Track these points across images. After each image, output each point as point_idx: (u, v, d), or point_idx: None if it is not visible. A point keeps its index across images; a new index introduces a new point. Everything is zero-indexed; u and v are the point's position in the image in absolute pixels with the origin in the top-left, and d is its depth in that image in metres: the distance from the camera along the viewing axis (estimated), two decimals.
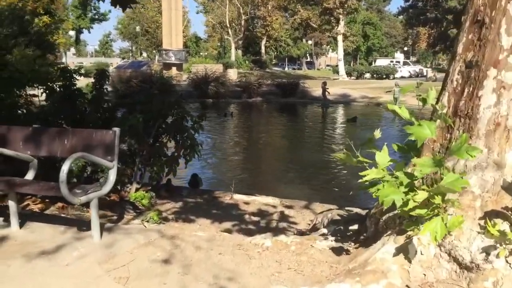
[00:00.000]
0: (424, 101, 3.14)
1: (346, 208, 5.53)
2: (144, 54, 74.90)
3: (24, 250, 4.07)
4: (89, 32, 71.84)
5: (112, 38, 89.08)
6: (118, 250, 4.11)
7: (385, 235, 3.53)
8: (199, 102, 30.78)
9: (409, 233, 3.30)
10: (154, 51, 64.96)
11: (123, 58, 74.05)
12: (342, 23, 43.66)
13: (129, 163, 6.51)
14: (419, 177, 3.13)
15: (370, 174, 3.19)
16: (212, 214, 6.34)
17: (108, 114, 6.73)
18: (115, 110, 6.88)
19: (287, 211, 6.79)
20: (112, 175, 4.81)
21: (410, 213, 3.08)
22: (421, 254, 3.21)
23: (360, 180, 3.26)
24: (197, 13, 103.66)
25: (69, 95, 6.41)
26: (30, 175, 5.12)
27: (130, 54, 78.79)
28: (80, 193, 4.48)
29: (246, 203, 7.08)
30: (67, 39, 54.86)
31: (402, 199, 3.03)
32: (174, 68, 40.59)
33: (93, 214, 4.59)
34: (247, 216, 6.31)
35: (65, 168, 4.29)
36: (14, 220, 4.91)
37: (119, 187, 6.49)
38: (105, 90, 6.69)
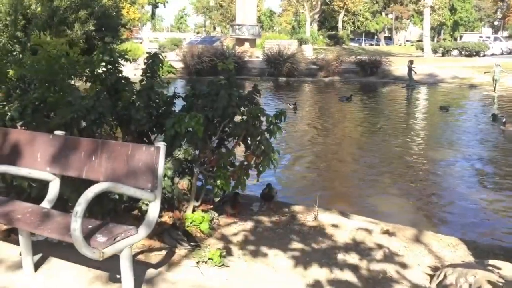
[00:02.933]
0: None
1: (491, 262, 3.77)
2: (218, 29, 74.11)
3: None
4: (165, 7, 71.91)
5: (186, 13, 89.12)
6: None
7: None
8: (272, 81, 29.22)
9: None
10: (227, 26, 63.82)
11: (197, 33, 73.80)
12: None
13: (186, 174, 5.06)
14: None
15: None
16: (291, 247, 4.79)
17: (161, 110, 5.29)
18: (171, 104, 5.42)
19: (389, 242, 5.08)
20: (153, 211, 3.36)
21: None
22: None
23: None
24: None
25: (112, 84, 5.04)
26: (47, 202, 3.78)
27: (204, 29, 78.37)
28: (105, 242, 3.05)
29: (334, 226, 5.44)
30: (143, 14, 55.01)
31: None
32: (247, 44, 39.10)
33: (124, 269, 3.18)
34: (338, 253, 4.67)
35: (78, 209, 2.89)
36: (26, 261, 3.61)
37: (175, 203, 5.10)
38: (158, 79, 5.23)
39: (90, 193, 2.93)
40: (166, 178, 4.73)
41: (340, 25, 66.32)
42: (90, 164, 3.54)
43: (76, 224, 2.81)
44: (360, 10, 69.13)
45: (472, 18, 76.27)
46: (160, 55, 5.18)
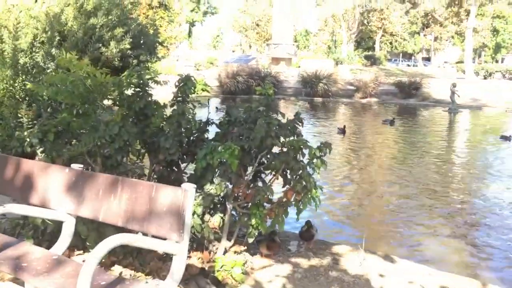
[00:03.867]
0: None
1: None
2: (254, 48, 74.33)
3: None
4: (202, 25, 72.82)
5: (222, 31, 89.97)
6: None
7: None
8: (308, 101, 28.68)
9: None
10: (263, 44, 63.87)
11: (233, 51, 74.17)
12: (472, 15, 38.53)
13: (218, 211, 4.54)
14: None
15: None
16: None
17: (193, 137, 4.83)
18: (203, 131, 4.95)
19: None
20: (179, 265, 2.84)
21: None
22: None
23: None
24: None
25: (141, 108, 4.60)
26: (59, 245, 3.32)
27: (240, 48, 78.77)
28: None
29: (381, 276, 4.79)
30: (180, 32, 55.81)
31: None
32: (282, 63, 38.79)
33: None
34: None
35: (88, 269, 2.42)
36: None
37: (205, 243, 4.58)
38: (191, 105, 4.76)
39: (103, 248, 2.44)
40: (195, 216, 4.24)
41: (377, 45, 65.40)
42: (109, 204, 3.07)
43: (83, 284, 2.31)
44: (398, 30, 68.09)
45: None
46: (192, 78, 4.72)
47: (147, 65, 14.57)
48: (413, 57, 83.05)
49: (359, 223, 7.39)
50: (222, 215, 4.58)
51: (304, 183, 4.55)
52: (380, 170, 11.48)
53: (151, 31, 17.27)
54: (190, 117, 4.74)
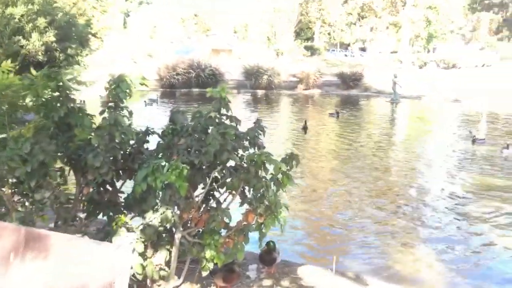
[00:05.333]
0: None
1: None
2: (193, 39, 72.61)
3: None
4: (137, 16, 70.10)
5: (160, 22, 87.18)
6: None
7: None
8: (250, 94, 28.01)
9: None
10: (202, 35, 62.40)
11: (171, 43, 72.01)
12: (409, 5, 39.28)
13: (163, 242, 3.70)
14: None
15: None
16: None
17: (128, 149, 3.94)
18: (143, 142, 4.07)
19: None
20: None
21: None
22: None
23: None
24: None
25: (61, 118, 3.65)
26: None
27: (179, 39, 76.67)
28: None
29: None
30: (113, 23, 53.32)
31: None
32: (223, 54, 37.86)
33: None
34: None
35: None
36: None
37: (148, 284, 3.72)
38: (126, 112, 3.85)
39: None
40: (135, 254, 3.37)
41: (316, 36, 65.79)
42: (7, 267, 2.15)
43: None
44: (336, 21, 68.73)
45: (446, 30, 76.93)
46: (127, 79, 3.80)
47: (77, 59, 13.22)
48: (349, 48, 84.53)
49: (326, 238, 6.73)
50: (168, 247, 3.74)
51: (267, 203, 3.79)
52: (339, 168, 10.98)
53: (81, 22, 15.77)
54: (125, 127, 3.84)
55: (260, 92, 28.40)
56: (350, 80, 28.92)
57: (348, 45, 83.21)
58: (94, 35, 25.38)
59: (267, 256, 4.62)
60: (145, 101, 22.00)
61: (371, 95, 27.71)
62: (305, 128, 15.18)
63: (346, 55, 77.63)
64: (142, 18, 75.23)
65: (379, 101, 25.48)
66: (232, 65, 34.18)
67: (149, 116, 18.30)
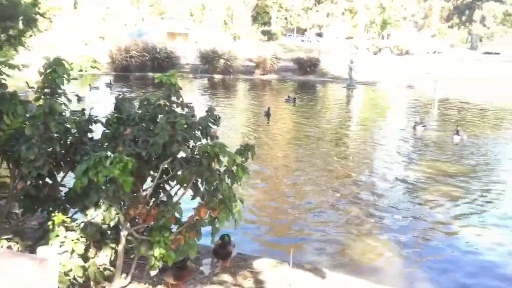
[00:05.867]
0: None
1: None
2: (148, 22, 70.66)
3: None
4: None
5: (112, 3, 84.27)
6: None
7: None
8: (207, 78, 27.55)
9: None
10: (157, 17, 60.81)
11: (125, 25, 69.82)
12: None
13: (108, 241, 3.41)
14: None
15: None
16: None
17: (69, 140, 3.61)
18: (85, 131, 3.74)
19: None
20: None
21: None
22: None
23: None
24: None
25: None
26: None
27: (132, 21, 74.43)
28: None
29: None
30: (63, 3, 51.11)
31: None
32: (179, 38, 37.03)
33: None
34: None
35: None
36: None
37: (91, 286, 3.43)
38: (64, 98, 3.50)
39: None
40: (74, 256, 3.08)
41: (273, 20, 65.54)
42: None
43: None
44: (292, 6, 68.64)
45: (400, 17, 78.39)
46: (64, 62, 3.44)
47: (21, 39, 12.42)
48: (306, 33, 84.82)
49: (280, 230, 6.56)
50: (114, 245, 3.46)
51: (220, 196, 3.57)
52: (288, 159, 10.87)
53: (27, 0, 14.88)
54: (65, 114, 3.50)
55: (217, 77, 27.99)
56: (307, 66, 28.91)
57: (305, 30, 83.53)
58: (42, 15, 24.09)
59: (222, 250, 4.41)
60: (106, 83, 21.24)
61: (328, 81, 27.86)
62: (268, 115, 14.96)
63: (303, 40, 77.94)
64: None
65: (336, 87, 25.64)
66: (189, 49, 33.48)
67: (100, 101, 17.65)
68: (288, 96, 18.88)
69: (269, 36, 57.66)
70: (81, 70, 27.27)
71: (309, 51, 35.25)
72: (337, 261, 5.29)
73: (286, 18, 74.72)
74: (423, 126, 13.75)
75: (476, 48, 60.35)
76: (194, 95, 19.94)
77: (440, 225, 6.71)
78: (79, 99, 16.01)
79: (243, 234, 5.87)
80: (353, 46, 47.57)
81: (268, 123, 14.49)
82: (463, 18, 65.80)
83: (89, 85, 20.58)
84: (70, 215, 4.01)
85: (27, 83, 16.69)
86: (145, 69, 27.72)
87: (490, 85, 24.53)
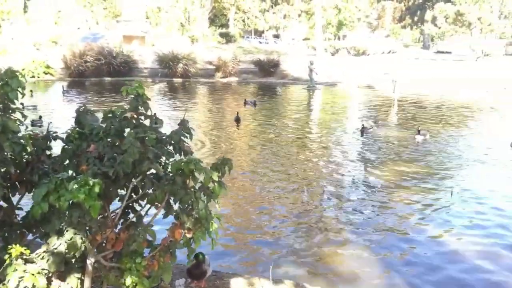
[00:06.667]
0: None
1: None
2: (102, 25, 68.92)
3: None
4: None
5: (64, 6, 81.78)
6: None
7: None
8: (167, 82, 27.01)
9: None
10: (112, 20, 59.37)
11: (78, 28, 67.89)
12: None
13: (74, 272, 3.07)
14: None
15: None
16: None
17: (26, 160, 3.25)
18: (44, 149, 3.39)
19: None
20: None
21: None
22: None
23: None
24: None
25: None
26: None
27: (86, 25, 72.45)
28: None
29: None
30: (12, 7, 49.19)
31: None
32: (136, 41, 36.22)
33: None
34: None
35: None
36: None
37: None
38: (19, 114, 3.14)
39: None
40: None
41: (231, 22, 65.35)
42: None
43: None
44: (250, 8, 68.66)
45: (354, 18, 79.79)
46: (19, 76, 3.07)
47: None
48: (263, 35, 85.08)
49: (256, 246, 6.27)
50: (79, 275, 3.12)
51: (196, 215, 3.30)
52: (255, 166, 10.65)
53: None
54: (19, 131, 3.14)
55: (177, 81, 27.47)
56: (267, 68, 28.84)
57: (262, 32, 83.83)
58: None
59: (196, 270, 4.15)
60: (63, 89, 20.49)
61: (288, 83, 27.85)
62: (237, 120, 14.67)
63: (260, 42, 78.18)
64: (45, 2, 70.03)
65: (297, 88, 25.65)
66: (146, 52, 32.77)
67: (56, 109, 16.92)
68: (245, 100, 18.73)
69: (228, 38, 57.42)
70: (33, 76, 26.15)
71: (268, 53, 35.21)
72: (317, 274, 5.10)
73: (243, 20, 74.73)
74: (369, 129, 13.61)
75: (428, 47, 62.13)
76: (155, 101, 19.44)
77: (410, 228, 6.67)
78: (31, 108, 15.24)
79: (217, 250, 5.59)
80: (311, 47, 47.93)
81: (238, 128, 14.22)
82: (415, 18, 67.63)
83: (62, 86, 20.07)
84: (28, 240, 3.65)
85: None
86: (101, 74, 26.89)
87: (445, 83, 25.20)
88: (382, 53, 52.22)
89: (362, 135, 13.27)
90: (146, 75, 28.72)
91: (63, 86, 21.51)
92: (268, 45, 64.96)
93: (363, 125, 13.73)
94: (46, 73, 26.80)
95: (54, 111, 16.13)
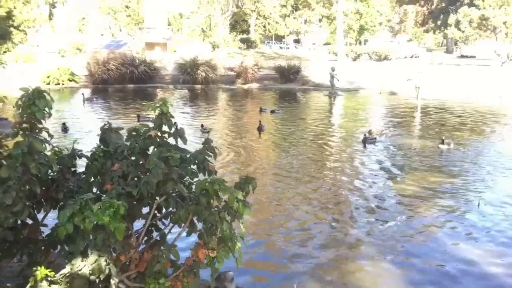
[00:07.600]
0: None
1: None
2: (124, 32, 69.91)
3: None
4: (64, 6, 66.36)
5: (88, 14, 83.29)
6: None
7: None
8: (188, 89, 27.17)
9: None
10: (135, 28, 60.16)
11: (101, 35, 69.02)
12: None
13: None
14: None
15: None
16: None
17: (52, 178, 3.26)
18: (69, 168, 3.41)
19: None
20: None
21: None
22: None
23: None
24: None
25: None
26: None
27: (110, 32, 73.62)
28: None
29: None
30: (39, 14, 50.17)
31: None
32: (157, 48, 36.56)
33: None
34: None
35: None
36: None
37: None
38: (46, 134, 3.16)
39: None
40: None
41: (252, 28, 65.54)
42: None
43: None
44: (270, 13, 68.75)
45: (376, 22, 79.16)
46: (46, 94, 3.09)
47: None
48: (284, 40, 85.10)
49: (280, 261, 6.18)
50: None
51: (219, 234, 3.27)
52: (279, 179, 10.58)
53: (1, 13, 14.52)
54: (45, 151, 3.16)
55: (198, 87, 27.60)
56: (288, 74, 28.76)
57: (283, 37, 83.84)
58: (16, 27, 23.44)
59: (220, 286, 4.10)
60: (84, 98, 20.65)
61: (310, 89, 27.71)
62: (260, 129, 14.49)
63: (281, 47, 78.18)
64: (70, 9, 71.38)
65: (318, 95, 25.48)
66: (167, 59, 33.06)
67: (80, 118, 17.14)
68: (260, 108, 18.56)
69: (248, 44, 57.61)
70: (58, 84, 26.62)
71: (289, 58, 35.13)
72: None
73: (264, 26, 74.87)
74: (371, 139, 13.05)
75: (452, 51, 61.18)
76: (176, 108, 19.55)
77: (442, 243, 6.50)
78: (65, 128, 13.36)
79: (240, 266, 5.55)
80: (332, 52, 47.65)
81: (260, 137, 14.12)
82: (438, 22, 66.65)
83: (83, 94, 20.55)
84: (53, 258, 3.67)
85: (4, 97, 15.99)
86: (124, 81, 27.20)
87: (469, 88, 24.71)
88: (405, 58, 51.61)
89: (364, 146, 12.85)
90: (168, 81, 28.96)
91: (83, 94, 21.61)
92: (289, 50, 64.98)
93: (365, 135, 13.29)
94: (70, 80, 27.23)
95: (75, 119, 16.30)
